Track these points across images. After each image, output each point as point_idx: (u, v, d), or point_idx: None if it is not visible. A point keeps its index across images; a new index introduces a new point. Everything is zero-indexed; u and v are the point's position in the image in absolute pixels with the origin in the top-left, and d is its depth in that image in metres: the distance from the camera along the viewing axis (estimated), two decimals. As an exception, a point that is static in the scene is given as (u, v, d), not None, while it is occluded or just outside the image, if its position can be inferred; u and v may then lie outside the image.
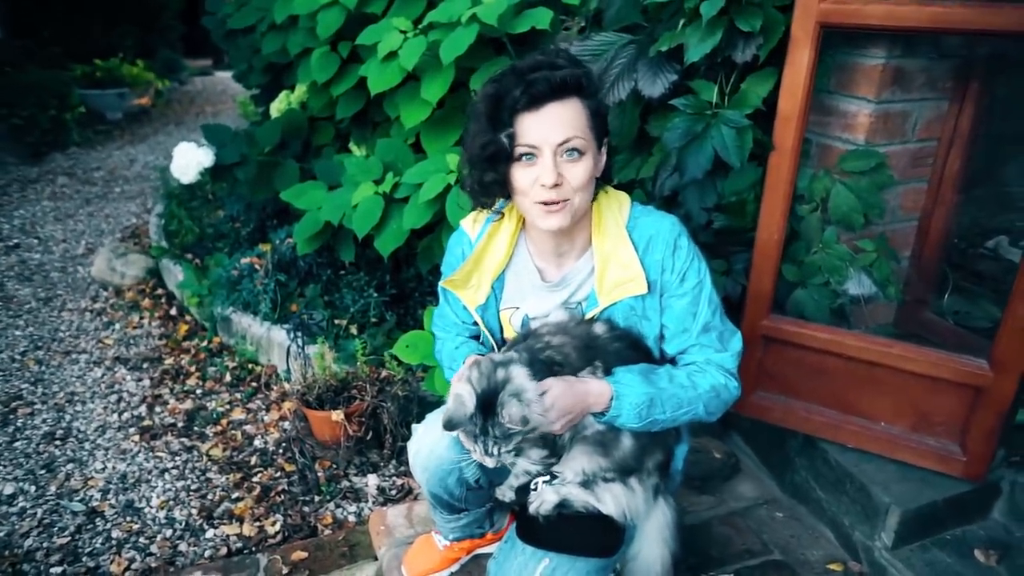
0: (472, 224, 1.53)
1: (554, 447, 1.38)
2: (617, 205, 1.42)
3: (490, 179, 1.34)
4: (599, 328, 1.38)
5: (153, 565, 2.04)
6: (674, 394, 1.33)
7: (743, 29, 1.66)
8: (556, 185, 1.27)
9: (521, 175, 1.31)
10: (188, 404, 2.81)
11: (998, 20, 1.49)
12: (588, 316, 1.41)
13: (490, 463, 1.27)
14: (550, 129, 1.26)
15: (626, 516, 1.39)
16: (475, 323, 1.53)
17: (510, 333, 1.52)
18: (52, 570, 2.02)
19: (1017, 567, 1.75)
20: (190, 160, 2.94)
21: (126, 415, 2.75)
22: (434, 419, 1.53)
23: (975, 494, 1.85)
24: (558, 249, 1.43)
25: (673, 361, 1.44)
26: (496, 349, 1.53)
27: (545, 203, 1.30)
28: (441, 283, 1.52)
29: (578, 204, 1.32)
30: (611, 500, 1.38)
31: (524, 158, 1.29)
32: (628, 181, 2.13)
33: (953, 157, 1.95)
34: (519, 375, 1.23)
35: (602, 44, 1.97)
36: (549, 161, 1.26)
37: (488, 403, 1.22)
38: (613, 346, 1.36)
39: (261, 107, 4.16)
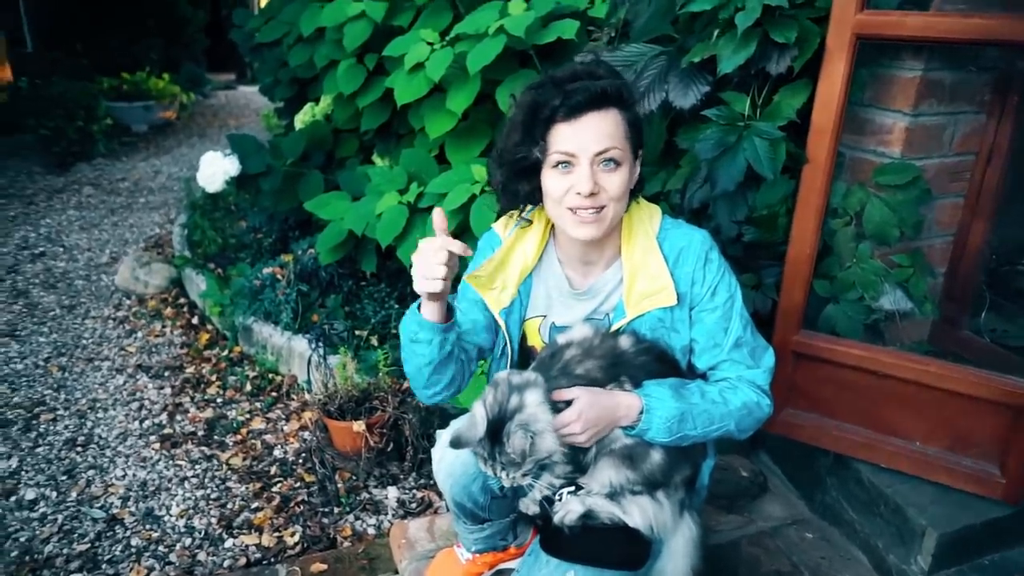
0: (503, 227, 1.51)
1: (579, 464, 1.35)
2: (648, 216, 1.41)
3: (525, 191, 1.34)
4: (624, 342, 1.36)
5: (172, 574, 2.03)
6: (705, 410, 1.31)
7: (778, 41, 1.64)
8: (592, 194, 1.26)
9: (555, 182, 1.29)
10: (208, 413, 2.81)
11: (1041, 31, 1.46)
12: (614, 328, 1.38)
13: (506, 482, 1.25)
14: (588, 139, 1.25)
15: (653, 529, 1.35)
16: (488, 327, 1.48)
17: (535, 342, 1.49)
18: (71, 577, 2.02)
19: (1060, 595, 1.70)
20: (216, 169, 2.96)
21: (147, 423, 2.75)
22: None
23: (1015, 518, 1.79)
24: (585, 258, 1.41)
25: (704, 376, 1.41)
26: (512, 358, 1.50)
27: (578, 211, 1.28)
28: (464, 277, 1.47)
29: (613, 214, 1.30)
30: (638, 512, 1.35)
31: (560, 166, 1.27)
32: (654, 194, 2.11)
33: (991, 172, 1.91)
34: (532, 403, 1.22)
35: (631, 55, 1.96)
36: (586, 170, 1.25)
37: (497, 430, 1.21)
38: (639, 360, 1.34)
39: (285, 120, 4.20)
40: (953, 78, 1.77)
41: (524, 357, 1.53)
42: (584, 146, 1.25)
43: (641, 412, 1.26)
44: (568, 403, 1.25)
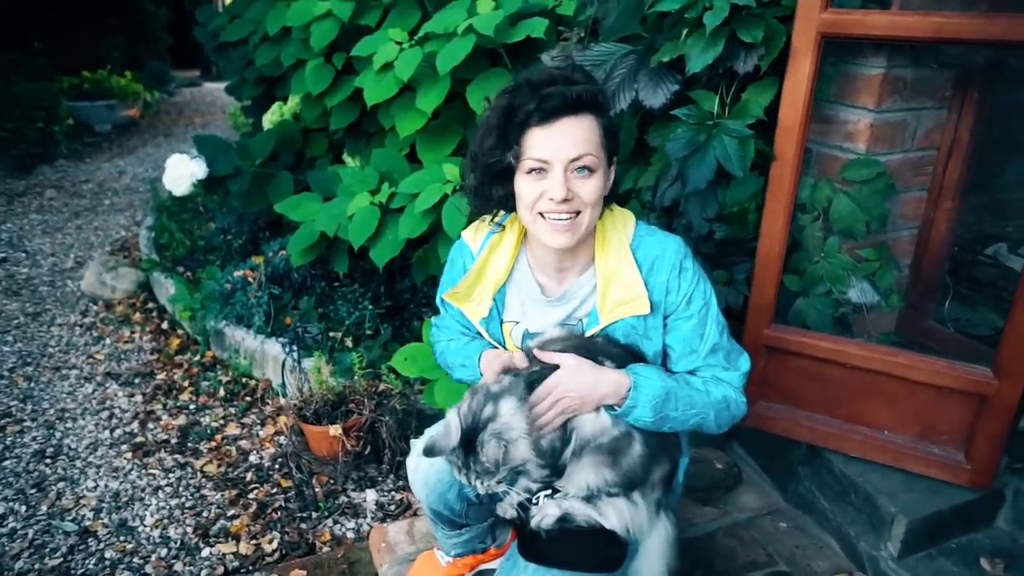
0: (473, 236, 1.51)
1: (555, 467, 1.36)
2: (622, 223, 1.41)
3: (499, 195, 1.34)
4: (599, 341, 1.38)
5: (148, 586, 2.00)
6: (689, 394, 1.33)
7: (745, 40, 1.65)
8: (566, 200, 1.26)
9: (528, 188, 1.29)
10: (181, 420, 2.77)
11: (999, 29, 1.49)
12: (588, 334, 1.40)
13: (481, 490, 1.25)
14: (562, 145, 1.24)
15: (629, 531, 1.36)
16: (479, 333, 1.52)
17: (510, 347, 1.50)
18: (44, 593, 1.98)
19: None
20: (183, 172, 2.90)
21: (118, 432, 2.71)
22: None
23: (980, 502, 1.84)
24: (560, 264, 1.41)
25: None
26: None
27: (551, 217, 1.29)
28: (443, 295, 1.50)
29: (587, 221, 1.31)
30: (614, 514, 1.36)
31: (533, 172, 1.27)
32: (625, 191, 2.13)
33: (952, 165, 1.95)
34: (506, 412, 1.23)
35: (601, 54, 1.96)
36: (560, 176, 1.25)
37: (470, 439, 1.22)
38: (614, 351, 1.36)
39: (252, 119, 4.13)
40: (915, 74, 1.81)
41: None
42: (558, 152, 1.24)
43: (629, 389, 1.27)
44: (556, 367, 1.27)
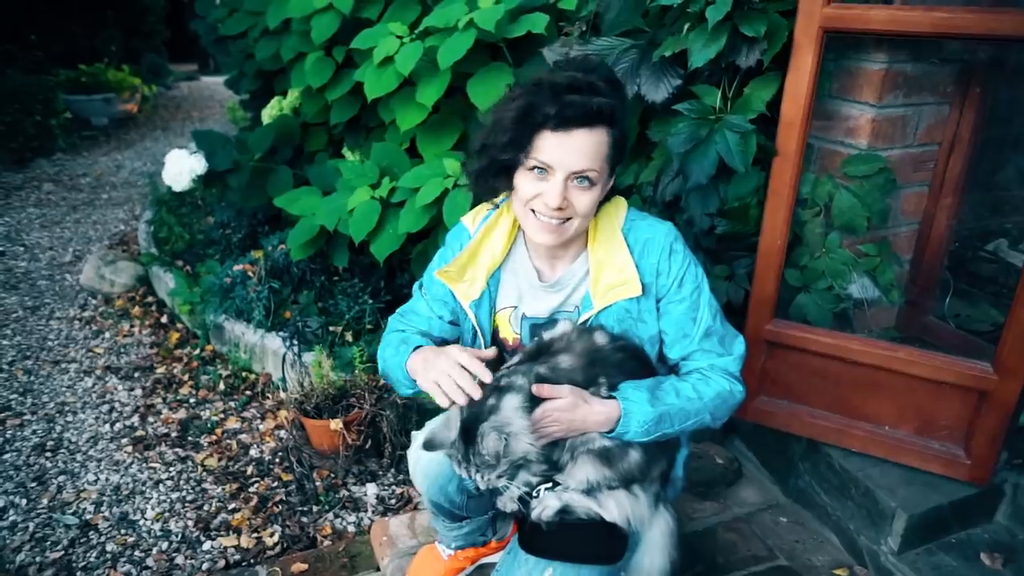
0: (472, 220, 1.52)
1: (554, 463, 1.36)
2: (614, 209, 1.42)
3: (503, 185, 1.35)
4: (600, 339, 1.37)
5: (149, 579, 2.01)
6: (681, 408, 1.33)
7: (747, 34, 1.65)
8: (560, 208, 1.27)
9: (527, 184, 1.30)
10: (181, 413, 2.77)
11: (1001, 25, 1.50)
12: (582, 319, 1.40)
13: (481, 484, 1.26)
14: (570, 156, 1.25)
15: (630, 523, 1.37)
16: (451, 322, 1.51)
17: (507, 333, 1.50)
18: (45, 586, 1.98)
19: (1023, 570, 1.75)
20: (183, 167, 2.90)
21: (118, 425, 2.70)
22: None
23: (979, 497, 1.85)
24: (552, 253, 1.43)
25: (676, 367, 1.43)
26: (484, 348, 1.50)
27: (541, 216, 1.30)
28: (434, 273, 1.48)
29: (576, 228, 1.32)
30: (615, 507, 1.36)
31: (536, 170, 1.28)
32: (627, 187, 2.13)
33: (954, 161, 1.95)
34: (509, 406, 1.23)
35: (602, 49, 1.96)
36: (559, 185, 1.26)
37: (470, 430, 1.21)
38: (615, 357, 1.36)
39: (251, 112, 4.13)
40: (917, 70, 1.81)
41: (497, 348, 1.53)
42: (564, 162, 1.25)
43: (618, 419, 1.28)
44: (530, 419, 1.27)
